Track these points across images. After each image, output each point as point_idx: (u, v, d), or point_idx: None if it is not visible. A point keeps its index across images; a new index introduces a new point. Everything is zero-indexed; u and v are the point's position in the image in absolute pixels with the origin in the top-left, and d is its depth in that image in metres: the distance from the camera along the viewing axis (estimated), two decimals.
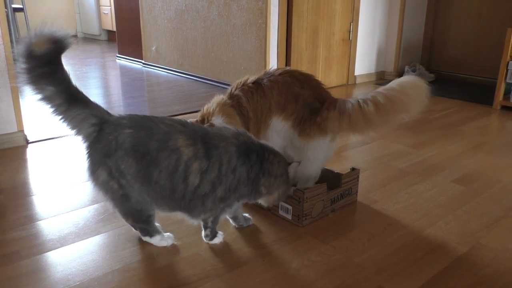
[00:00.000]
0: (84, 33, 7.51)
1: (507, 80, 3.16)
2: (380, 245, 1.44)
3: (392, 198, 1.78)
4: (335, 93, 1.62)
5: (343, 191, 1.67)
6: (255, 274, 1.28)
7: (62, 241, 1.44)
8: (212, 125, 1.51)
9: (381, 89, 1.49)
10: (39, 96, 1.22)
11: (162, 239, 1.41)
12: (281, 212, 1.59)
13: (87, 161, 1.28)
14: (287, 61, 3.61)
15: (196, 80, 4.17)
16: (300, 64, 3.66)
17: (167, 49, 4.48)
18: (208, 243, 1.43)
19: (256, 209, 1.64)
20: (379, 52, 4.32)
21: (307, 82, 1.58)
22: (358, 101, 1.49)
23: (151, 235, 1.40)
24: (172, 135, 1.25)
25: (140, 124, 1.26)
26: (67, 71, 1.25)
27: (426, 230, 1.54)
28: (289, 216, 1.57)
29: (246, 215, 1.56)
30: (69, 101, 1.23)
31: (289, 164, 1.39)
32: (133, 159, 1.24)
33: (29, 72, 1.18)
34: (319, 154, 1.59)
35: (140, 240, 1.43)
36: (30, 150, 2.28)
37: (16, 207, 1.66)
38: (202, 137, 1.28)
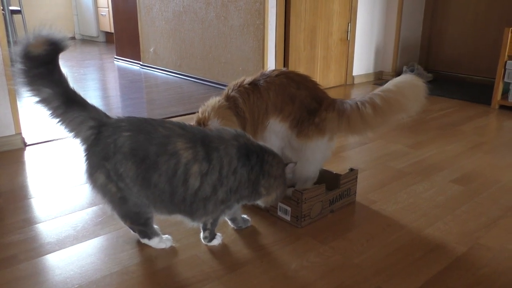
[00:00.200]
0: (82, 35, 7.50)
1: (505, 80, 3.16)
2: (379, 246, 1.44)
3: (391, 199, 1.78)
4: (333, 94, 1.62)
5: (341, 191, 1.67)
6: (254, 275, 1.28)
7: (61, 244, 1.43)
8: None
9: (378, 90, 1.49)
10: (36, 98, 1.22)
11: (161, 241, 1.40)
12: (279, 213, 1.59)
13: (85, 164, 1.28)
14: (285, 62, 3.61)
15: (194, 81, 4.17)
16: (298, 65, 3.67)
17: (165, 50, 4.48)
18: (206, 245, 1.43)
19: (254, 210, 1.64)
20: (377, 52, 4.32)
21: (303, 83, 1.58)
22: (357, 103, 1.49)
23: (149, 237, 1.39)
24: (171, 139, 1.25)
25: (138, 127, 1.26)
26: (65, 73, 1.25)
27: (425, 230, 1.54)
28: (287, 217, 1.57)
29: (245, 216, 1.56)
30: (67, 104, 1.23)
31: (286, 165, 1.39)
32: (132, 163, 1.23)
33: (26, 73, 1.18)
34: (317, 154, 1.59)
35: (138, 242, 1.43)
36: (28, 153, 2.28)
37: (14, 210, 1.66)
38: (202, 139, 1.28)
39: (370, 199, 1.77)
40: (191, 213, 1.31)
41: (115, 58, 5.33)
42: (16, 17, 5.30)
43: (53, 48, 1.18)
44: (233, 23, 3.64)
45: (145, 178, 1.24)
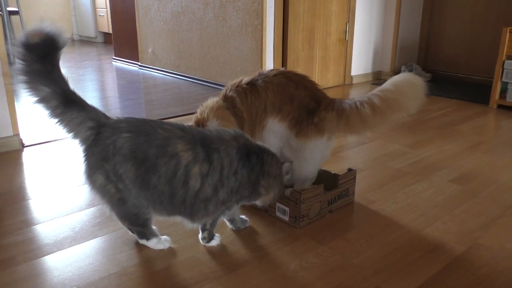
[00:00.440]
0: (80, 35, 7.49)
1: (503, 79, 3.17)
2: (378, 246, 1.44)
3: (390, 199, 1.78)
4: (331, 94, 1.62)
5: (340, 192, 1.66)
6: (253, 276, 1.28)
7: (59, 245, 1.43)
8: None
9: (377, 90, 1.49)
10: (34, 97, 1.22)
11: (159, 242, 1.40)
12: (278, 214, 1.59)
13: (84, 165, 1.27)
14: (284, 62, 3.61)
15: (192, 81, 4.17)
16: (297, 65, 3.67)
17: (164, 51, 4.47)
18: (205, 246, 1.42)
19: (253, 210, 1.64)
20: (375, 52, 4.32)
21: (301, 82, 1.58)
22: (356, 103, 1.49)
23: (148, 238, 1.39)
24: (171, 141, 1.25)
25: (138, 129, 1.25)
26: (64, 74, 1.24)
27: (424, 230, 1.54)
28: (286, 218, 1.57)
29: (243, 217, 1.56)
30: (65, 104, 1.23)
31: (282, 164, 1.39)
32: (132, 164, 1.23)
33: (25, 68, 1.18)
34: (316, 154, 1.59)
35: (137, 243, 1.43)
36: (26, 154, 2.27)
37: (12, 212, 1.65)
38: (202, 141, 1.27)
39: (369, 199, 1.77)
40: (191, 215, 1.31)
41: (113, 58, 5.32)
42: (14, 18, 5.29)
43: (50, 40, 1.18)
44: (231, 24, 3.64)
45: (144, 180, 1.24)
